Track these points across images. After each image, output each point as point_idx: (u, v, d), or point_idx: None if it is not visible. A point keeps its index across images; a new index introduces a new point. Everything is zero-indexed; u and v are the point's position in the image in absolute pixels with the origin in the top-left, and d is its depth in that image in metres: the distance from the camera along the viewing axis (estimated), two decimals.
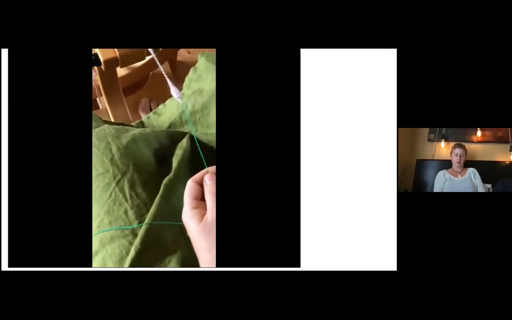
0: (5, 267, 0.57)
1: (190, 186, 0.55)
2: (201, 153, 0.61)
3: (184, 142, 0.71)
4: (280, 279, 0.57)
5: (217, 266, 0.52)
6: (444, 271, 0.58)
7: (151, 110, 1.21)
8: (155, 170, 0.68)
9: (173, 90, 0.61)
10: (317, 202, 0.57)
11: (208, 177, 0.54)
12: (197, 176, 0.56)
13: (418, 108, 0.59)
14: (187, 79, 0.83)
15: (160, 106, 0.84)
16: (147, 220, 0.61)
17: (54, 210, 0.57)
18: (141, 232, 0.60)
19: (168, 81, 0.61)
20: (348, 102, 0.57)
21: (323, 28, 0.58)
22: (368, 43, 0.57)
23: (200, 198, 0.54)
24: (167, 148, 0.73)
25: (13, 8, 0.57)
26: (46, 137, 0.57)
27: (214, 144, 0.72)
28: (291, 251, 0.57)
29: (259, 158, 0.57)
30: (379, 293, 0.57)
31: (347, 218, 0.57)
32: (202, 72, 0.81)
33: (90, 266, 0.57)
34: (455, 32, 0.58)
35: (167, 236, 0.62)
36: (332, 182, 0.57)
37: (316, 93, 0.57)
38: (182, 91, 0.82)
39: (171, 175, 0.66)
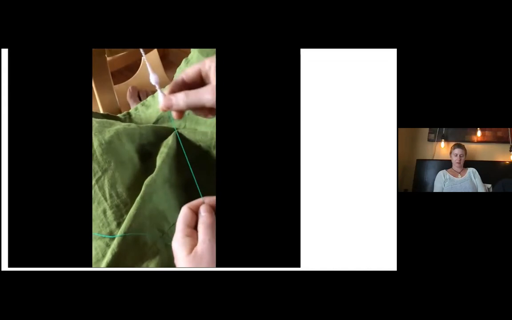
0: (5, 267, 0.57)
1: (184, 213, 0.53)
2: (185, 154, 0.58)
3: (170, 140, 0.68)
4: (280, 279, 0.57)
5: (217, 266, 0.52)
6: (444, 271, 0.58)
7: (140, 99, 1.16)
8: (137, 169, 0.65)
9: (152, 76, 0.58)
10: (317, 202, 0.57)
11: (203, 208, 0.53)
12: (192, 203, 0.54)
13: (418, 108, 0.59)
14: (178, 70, 0.79)
15: (149, 98, 0.80)
16: (125, 223, 0.59)
17: (54, 210, 0.57)
18: (118, 233, 0.58)
19: (148, 66, 0.58)
20: (348, 102, 0.57)
21: (323, 28, 0.58)
22: (368, 43, 0.57)
23: (193, 226, 0.53)
24: (152, 145, 0.69)
25: (13, 8, 0.57)
26: (46, 137, 0.57)
27: (201, 143, 0.70)
28: (291, 251, 0.57)
29: (259, 158, 0.57)
30: (379, 293, 0.57)
31: (347, 218, 0.57)
32: (194, 64, 0.78)
33: (90, 266, 0.57)
34: (455, 32, 0.58)
35: (146, 239, 0.60)
36: (332, 182, 0.57)
37: (316, 93, 0.57)
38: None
39: (153, 175, 0.63)
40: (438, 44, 0.58)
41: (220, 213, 0.56)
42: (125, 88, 1.17)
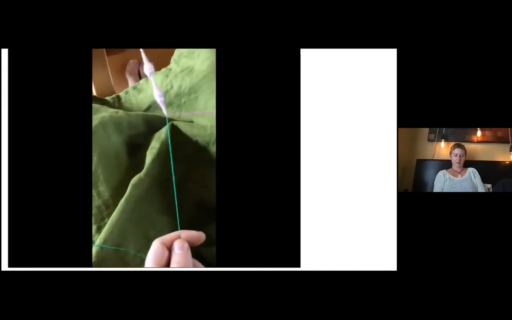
0: (5, 267, 0.57)
1: (155, 249, 0.46)
2: (170, 152, 0.51)
3: (163, 133, 0.59)
4: (280, 279, 0.57)
5: (217, 266, 0.52)
6: (444, 271, 0.58)
7: (139, 76, 1.04)
8: (124, 164, 0.58)
9: (147, 66, 0.50)
10: (317, 202, 0.57)
11: (178, 244, 0.46)
12: (166, 238, 0.47)
13: (418, 108, 0.59)
14: (176, 52, 0.71)
15: (142, 81, 0.70)
16: (106, 229, 0.52)
17: (54, 210, 0.57)
18: (97, 242, 0.53)
19: (143, 54, 0.51)
20: (348, 102, 0.57)
21: (323, 28, 0.58)
22: (368, 43, 0.57)
23: (165, 264, 0.47)
24: (142, 136, 0.61)
25: (13, 8, 0.57)
26: (46, 137, 0.57)
27: (198, 137, 0.62)
28: (291, 251, 0.57)
29: (259, 158, 0.57)
30: (379, 293, 0.57)
31: (347, 218, 0.57)
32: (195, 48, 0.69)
33: (90, 266, 0.57)
34: (455, 32, 0.58)
35: (128, 249, 0.55)
36: (332, 182, 0.57)
37: (316, 93, 0.57)
38: (169, 67, 0.70)
39: (141, 174, 0.56)
40: (438, 44, 0.58)
41: (220, 213, 0.56)
42: (121, 59, 1.04)
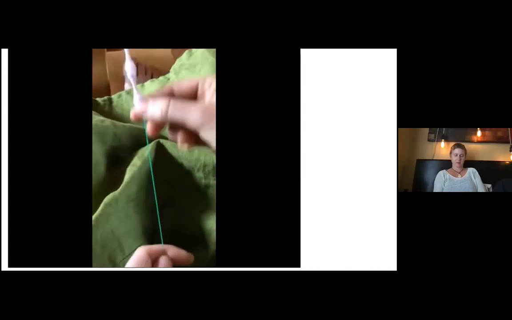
0: (5, 267, 0.57)
1: (139, 256, 0.44)
2: (152, 174, 0.47)
3: (146, 151, 0.55)
4: (280, 279, 0.57)
5: (217, 266, 0.52)
6: (444, 271, 0.58)
7: (137, 73, 1.02)
8: (101, 177, 0.55)
9: (128, 65, 0.45)
10: (317, 202, 0.57)
11: (164, 262, 0.45)
12: (152, 249, 0.45)
13: (418, 108, 0.59)
14: (177, 62, 0.68)
15: (138, 86, 0.67)
16: None
17: (54, 210, 0.57)
18: None
19: (126, 53, 0.46)
20: (348, 102, 0.57)
21: (323, 28, 0.58)
22: (368, 43, 0.57)
23: None
24: (126, 149, 0.58)
25: (13, 8, 0.57)
26: (46, 137, 0.57)
27: (184, 161, 0.59)
28: (291, 251, 0.57)
29: (259, 158, 0.57)
30: (379, 293, 0.57)
31: (347, 218, 0.57)
32: (198, 61, 0.65)
33: (90, 266, 0.57)
34: (455, 32, 0.58)
35: None
36: (332, 182, 0.57)
37: (316, 93, 0.57)
38: (167, 76, 0.66)
39: (116, 192, 0.52)
40: (438, 44, 0.58)
41: (220, 213, 0.56)
42: (121, 55, 1.00)
